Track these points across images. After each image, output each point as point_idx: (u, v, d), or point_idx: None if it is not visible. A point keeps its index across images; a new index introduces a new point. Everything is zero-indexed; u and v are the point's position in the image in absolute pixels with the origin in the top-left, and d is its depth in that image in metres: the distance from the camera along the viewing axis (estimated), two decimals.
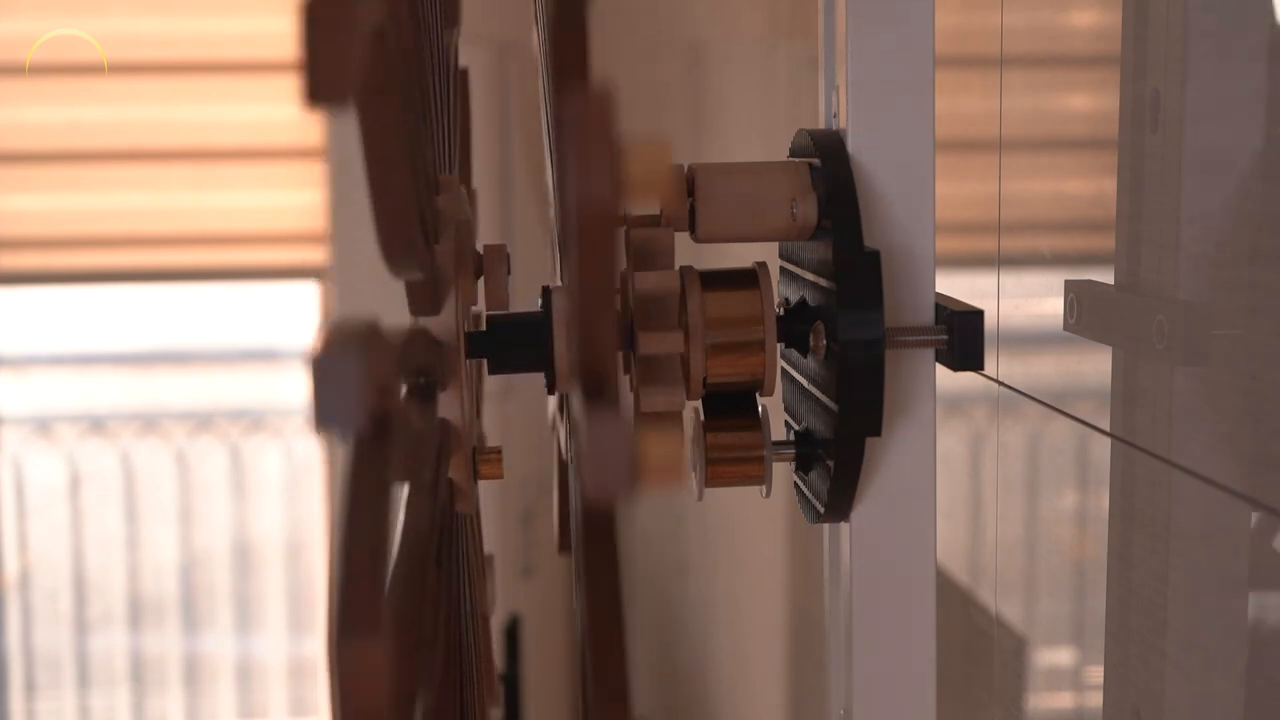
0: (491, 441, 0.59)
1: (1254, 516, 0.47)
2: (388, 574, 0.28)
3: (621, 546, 0.32)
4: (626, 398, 0.29)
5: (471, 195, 0.63)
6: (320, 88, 0.26)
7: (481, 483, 0.51)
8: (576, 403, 0.32)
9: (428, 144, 0.43)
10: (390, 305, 0.43)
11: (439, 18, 0.50)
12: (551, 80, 0.41)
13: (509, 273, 0.52)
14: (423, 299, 0.42)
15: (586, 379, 0.30)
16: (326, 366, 0.27)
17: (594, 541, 0.31)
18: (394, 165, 0.32)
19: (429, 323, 0.46)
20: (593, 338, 0.30)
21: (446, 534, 0.43)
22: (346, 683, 0.25)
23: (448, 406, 0.46)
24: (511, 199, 1.93)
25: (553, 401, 0.67)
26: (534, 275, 0.62)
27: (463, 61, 0.62)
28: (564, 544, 0.62)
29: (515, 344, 0.52)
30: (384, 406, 0.29)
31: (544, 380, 0.52)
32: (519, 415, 1.76)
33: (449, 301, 0.46)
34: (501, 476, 0.48)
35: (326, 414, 0.27)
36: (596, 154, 0.28)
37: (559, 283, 0.53)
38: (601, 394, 0.30)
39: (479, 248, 0.52)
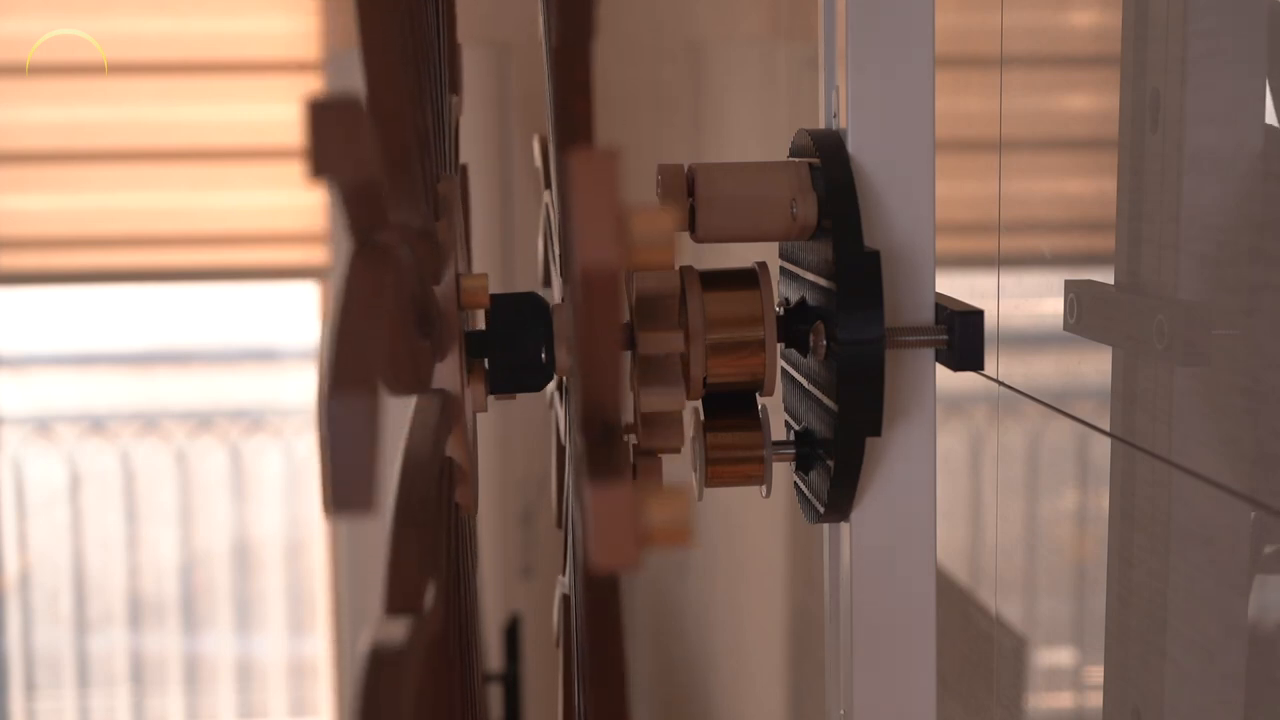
0: (491, 440, 0.59)
1: (1254, 516, 0.47)
2: (382, 335, 0.26)
3: (625, 622, 0.31)
4: (628, 462, 0.28)
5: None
6: None
7: (481, 485, 0.50)
8: (579, 468, 0.31)
9: (430, 122, 0.43)
10: None
11: (443, 77, 0.49)
12: (556, 134, 0.40)
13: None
14: (423, 260, 0.42)
15: (591, 444, 0.29)
16: (325, 109, 0.26)
17: (598, 613, 0.31)
18: (393, 76, 0.31)
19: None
20: (597, 400, 0.29)
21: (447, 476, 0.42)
22: (338, 439, 0.24)
23: (446, 377, 0.45)
24: (512, 198, 1.93)
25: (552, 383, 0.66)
26: (533, 274, 0.62)
27: (463, 62, 0.62)
28: (561, 522, 0.61)
29: (517, 315, 0.50)
30: (377, 179, 0.28)
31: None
32: (519, 415, 1.76)
33: (449, 271, 0.45)
34: (487, 304, 0.47)
35: (323, 161, 0.26)
36: (601, 216, 0.27)
37: (558, 281, 0.53)
38: (606, 464, 0.28)
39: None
